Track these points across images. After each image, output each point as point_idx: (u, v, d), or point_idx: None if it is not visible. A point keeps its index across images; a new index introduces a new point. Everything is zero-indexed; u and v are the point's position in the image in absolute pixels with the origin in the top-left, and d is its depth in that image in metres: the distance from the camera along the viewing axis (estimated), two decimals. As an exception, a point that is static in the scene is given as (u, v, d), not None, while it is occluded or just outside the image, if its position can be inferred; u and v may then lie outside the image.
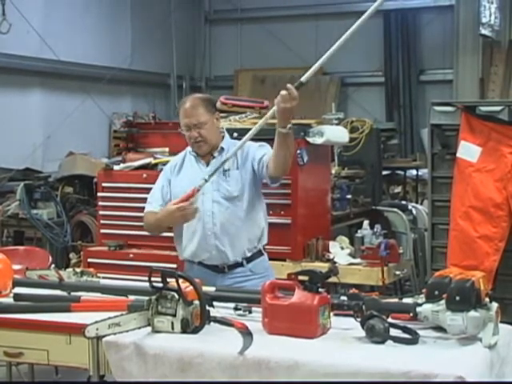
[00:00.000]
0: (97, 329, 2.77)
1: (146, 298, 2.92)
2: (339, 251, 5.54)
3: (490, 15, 9.82)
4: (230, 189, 3.70)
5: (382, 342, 2.68)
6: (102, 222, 6.12)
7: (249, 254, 3.75)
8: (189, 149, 3.86)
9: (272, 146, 3.57)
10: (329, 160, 6.26)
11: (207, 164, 3.77)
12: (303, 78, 3.30)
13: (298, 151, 5.34)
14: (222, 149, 3.76)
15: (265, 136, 3.72)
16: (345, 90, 12.04)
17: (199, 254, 3.74)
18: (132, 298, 3.23)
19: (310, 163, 5.44)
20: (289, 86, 3.29)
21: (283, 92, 3.29)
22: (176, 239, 3.86)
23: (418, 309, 2.78)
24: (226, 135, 3.86)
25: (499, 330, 2.70)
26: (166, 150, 6.12)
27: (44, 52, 9.46)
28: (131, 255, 5.77)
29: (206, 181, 3.52)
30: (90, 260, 5.90)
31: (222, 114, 5.73)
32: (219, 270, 3.73)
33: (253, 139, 3.63)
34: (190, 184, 3.65)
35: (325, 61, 3.28)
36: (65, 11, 9.95)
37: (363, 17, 3.18)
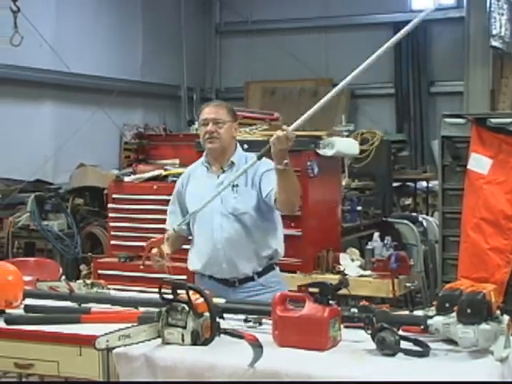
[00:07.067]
0: (107, 340, 2.77)
1: (157, 309, 2.92)
2: (349, 263, 5.52)
3: (501, 27, 9.80)
4: (237, 206, 3.68)
5: (393, 355, 2.67)
6: (112, 233, 6.13)
7: (260, 269, 3.73)
8: (202, 159, 3.87)
9: None
10: (339, 172, 6.25)
11: (217, 176, 3.78)
12: (292, 127, 3.28)
13: (309, 163, 5.35)
14: (233, 163, 3.76)
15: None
16: (355, 101, 12.05)
17: (210, 267, 3.73)
18: (142, 309, 3.24)
19: (320, 175, 5.44)
20: (285, 127, 3.28)
21: (279, 133, 3.25)
22: (189, 251, 3.86)
23: (429, 321, 2.77)
24: (239, 148, 3.85)
25: (511, 343, 2.68)
26: (177, 161, 6.13)
27: (55, 64, 9.51)
28: (141, 267, 5.76)
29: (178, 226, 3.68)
30: (100, 271, 5.91)
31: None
32: (230, 284, 3.71)
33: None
34: (201, 194, 3.69)
35: (322, 104, 3.19)
36: (76, 24, 10.01)
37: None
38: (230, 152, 3.79)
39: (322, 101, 3.15)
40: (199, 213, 3.64)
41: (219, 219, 3.70)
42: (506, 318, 2.69)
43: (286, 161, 3.33)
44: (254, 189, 3.70)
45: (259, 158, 3.43)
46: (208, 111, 3.76)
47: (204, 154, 3.88)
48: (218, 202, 3.66)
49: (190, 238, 3.89)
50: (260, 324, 3.11)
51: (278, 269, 3.85)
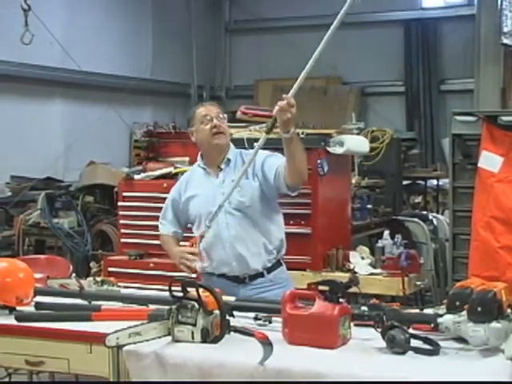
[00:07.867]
0: (117, 338, 2.78)
1: (167, 307, 2.93)
2: (360, 261, 5.52)
3: (512, 25, 9.76)
4: (241, 199, 3.69)
5: (403, 353, 2.67)
6: (122, 231, 6.14)
7: (269, 265, 3.75)
8: (197, 163, 3.89)
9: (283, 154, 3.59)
10: (349, 170, 6.25)
11: (217, 176, 3.79)
12: (289, 94, 3.36)
13: (319, 161, 5.34)
14: (229, 160, 3.79)
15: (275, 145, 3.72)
16: (365, 99, 12.02)
17: (220, 267, 3.74)
18: (152, 307, 3.24)
19: (330, 173, 5.44)
20: (285, 95, 3.34)
21: (281, 103, 3.31)
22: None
23: (439, 320, 2.76)
24: (232, 145, 3.88)
25: (521, 341, 2.67)
26: (186, 159, 6.14)
27: (66, 62, 9.53)
28: (151, 264, 5.78)
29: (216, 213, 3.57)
30: (110, 269, 5.92)
31: (243, 124, 5.77)
32: (240, 280, 3.72)
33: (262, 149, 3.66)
34: (205, 195, 3.72)
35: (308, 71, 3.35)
36: (86, 22, 10.03)
37: (334, 24, 3.31)
38: (227, 149, 3.82)
39: (312, 60, 3.48)
40: (202, 213, 3.65)
41: (224, 217, 3.69)
42: (516, 316, 2.69)
43: (292, 129, 3.37)
44: (255, 180, 3.71)
45: (267, 133, 3.46)
46: (207, 109, 3.79)
47: (199, 156, 3.89)
48: (221, 201, 3.65)
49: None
50: (270, 322, 3.10)
51: (284, 265, 3.87)
